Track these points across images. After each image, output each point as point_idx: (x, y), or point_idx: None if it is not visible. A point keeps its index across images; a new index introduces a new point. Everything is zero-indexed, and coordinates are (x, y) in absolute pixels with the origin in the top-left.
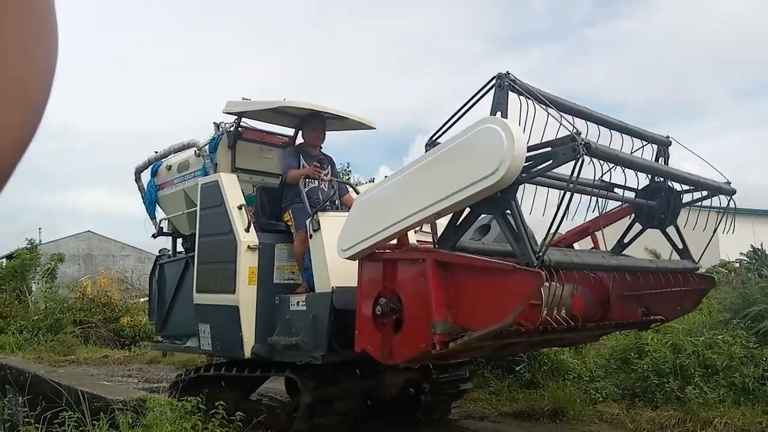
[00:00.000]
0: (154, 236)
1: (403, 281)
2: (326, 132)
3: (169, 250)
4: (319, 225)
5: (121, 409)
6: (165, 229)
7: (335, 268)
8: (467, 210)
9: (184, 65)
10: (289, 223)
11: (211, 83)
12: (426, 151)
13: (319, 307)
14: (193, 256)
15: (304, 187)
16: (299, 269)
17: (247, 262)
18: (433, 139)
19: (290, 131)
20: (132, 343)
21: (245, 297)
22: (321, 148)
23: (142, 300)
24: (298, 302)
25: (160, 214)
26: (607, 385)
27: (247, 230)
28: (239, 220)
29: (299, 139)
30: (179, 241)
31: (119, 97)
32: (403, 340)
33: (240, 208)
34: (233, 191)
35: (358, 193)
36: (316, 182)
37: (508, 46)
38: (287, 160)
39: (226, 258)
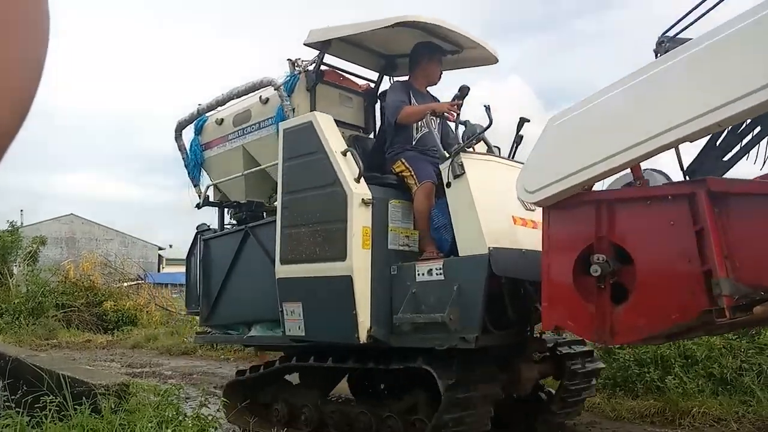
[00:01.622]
0: (198, 207)
1: (635, 230)
2: None
3: (208, 225)
4: (463, 169)
5: (104, 394)
6: (211, 198)
7: (489, 224)
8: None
9: (175, 50)
10: (405, 174)
11: (202, 68)
12: (658, 54)
13: (469, 275)
14: (255, 226)
15: (417, 132)
16: (422, 230)
17: (360, 220)
18: (673, 35)
19: (367, 76)
20: (115, 328)
21: (360, 264)
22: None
23: (125, 285)
24: (429, 270)
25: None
26: None
27: (358, 180)
28: (346, 167)
29: (382, 84)
30: (226, 212)
31: (107, 80)
32: (636, 310)
33: (345, 153)
34: (333, 134)
35: (489, 145)
36: (432, 125)
37: (499, 36)
38: (396, 95)
39: (330, 217)
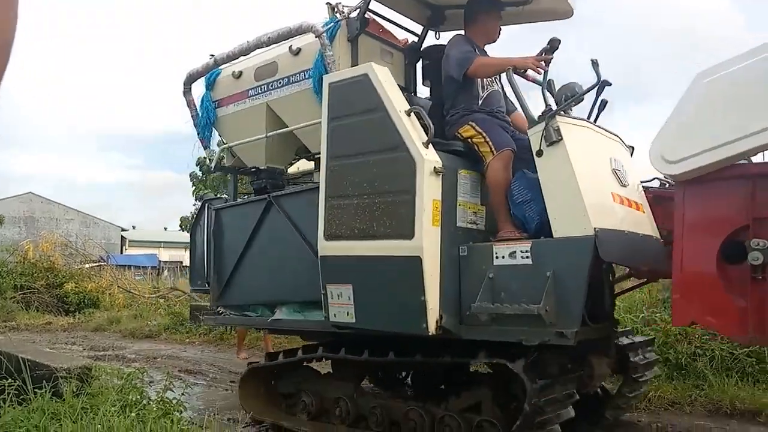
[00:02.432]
0: (211, 171)
1: None
2: None
3: (208, 191)
4: (560, 134)
5: (65, 377)
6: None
7: (591, 200)
8: None
9: (151, 33)
10: (476, 140)
11: (180, 51)
12: None
13: (568, 260)
14: (281, 195)
15: (483, 90)
16: (497, 205)
17: (430, 193)
18: None
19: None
20: (76, 310)
21: (430, 244)
22: None
23: (87, 266)
24: (512, 253)
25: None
26: None
27: (427, 145)
28: (413, 129)
29: (426, 40)
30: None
31: (70, 56)
32: None
33: (409, 113)
34: (394, 90)
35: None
36: (495, 85)
37: None
38: (462, 46)
39: (393, 187)
